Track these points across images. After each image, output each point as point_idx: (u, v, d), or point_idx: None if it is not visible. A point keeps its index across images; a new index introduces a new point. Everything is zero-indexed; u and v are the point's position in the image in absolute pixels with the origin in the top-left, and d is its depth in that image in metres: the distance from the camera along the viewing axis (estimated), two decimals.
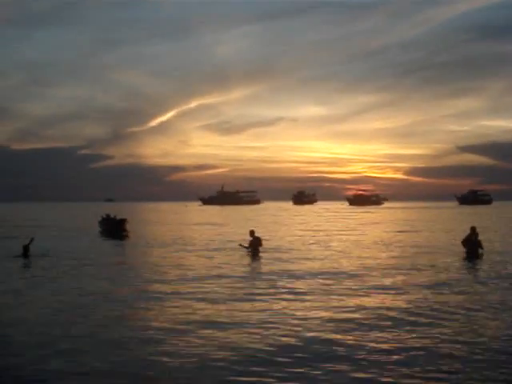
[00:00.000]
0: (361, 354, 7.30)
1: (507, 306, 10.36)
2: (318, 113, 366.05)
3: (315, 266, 16.61)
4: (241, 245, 20.59)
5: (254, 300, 11.16)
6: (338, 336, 8.25)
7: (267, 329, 8.69)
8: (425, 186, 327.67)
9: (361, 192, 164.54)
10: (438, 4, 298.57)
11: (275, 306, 10.49)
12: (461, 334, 8.27)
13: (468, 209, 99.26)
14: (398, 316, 9.54)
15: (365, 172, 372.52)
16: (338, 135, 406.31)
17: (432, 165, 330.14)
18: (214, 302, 10.99)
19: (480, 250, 18.87)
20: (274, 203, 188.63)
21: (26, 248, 19.40)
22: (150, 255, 20.58)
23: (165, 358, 7.21)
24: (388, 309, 10.14)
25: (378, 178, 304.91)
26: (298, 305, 10.64)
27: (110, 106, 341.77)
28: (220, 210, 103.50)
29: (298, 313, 9.89)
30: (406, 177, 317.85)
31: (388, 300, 11.07)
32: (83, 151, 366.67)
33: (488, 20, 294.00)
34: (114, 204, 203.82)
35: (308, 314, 9.82)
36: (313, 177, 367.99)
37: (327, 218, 58.26)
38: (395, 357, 7.18)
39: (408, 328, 8.67)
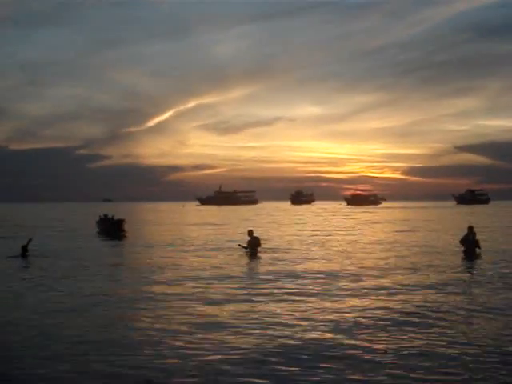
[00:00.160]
0: (358, 355, 7.31)
1: (505, 306, 10.38)
2: (316, 113, 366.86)
3: (313, 266, 16.63)
4: (239, 245, 20.60)
5: (253, 300, 11.18)
6: (336, 336, 8.27)
7: (266, 329, 8.70)
8: (423, 186, 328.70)
9: (359, 192, 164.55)
10: (436, 4, 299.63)
11: (274, 306, 10.50)
12: (458, 335, 8.29)
13: (466, 208, 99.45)
14: (395, 316, 9.56)
15: (363, 172, 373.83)
16: (336, 135, 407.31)
17: (430, 164, 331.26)
18: (212, 302, 11.00)
19: (477, 250, 18.95)
20: (272, 203, 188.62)
21: (24, 248, 19.41)
22: (148, 255, 20.58)
23: (164, 359, 7.22)
24: (385, 309, 10.16)
25: (376, 177, 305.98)
26: (297, 305, 10.65)
27: (107, 106, 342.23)
28: (218, 210, 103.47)
29: (297, 313, 9.90)
30: (403, 176, 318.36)
31: (385, 300, 11.09)
32: (81, 151, 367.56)
33: (486, 19, 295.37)
34: (111, 204, 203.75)
35: (306, 314, 9.84)
36: (311, 177, 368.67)
37: (325, 218, 58.28)
38: (393, 357, 7.21)
39: (405, 328, 8.69)
